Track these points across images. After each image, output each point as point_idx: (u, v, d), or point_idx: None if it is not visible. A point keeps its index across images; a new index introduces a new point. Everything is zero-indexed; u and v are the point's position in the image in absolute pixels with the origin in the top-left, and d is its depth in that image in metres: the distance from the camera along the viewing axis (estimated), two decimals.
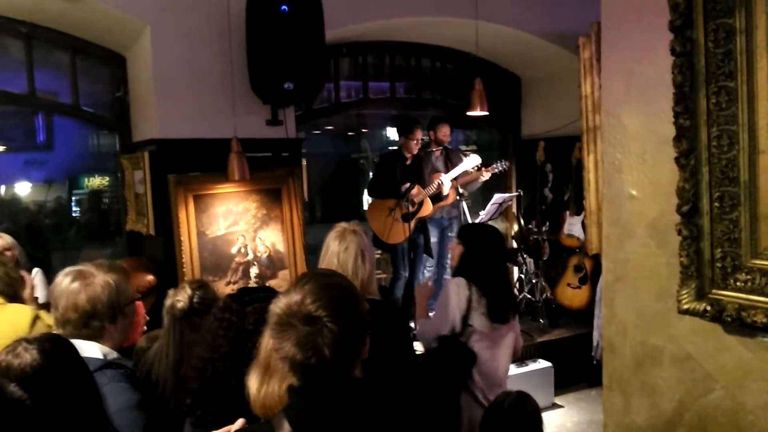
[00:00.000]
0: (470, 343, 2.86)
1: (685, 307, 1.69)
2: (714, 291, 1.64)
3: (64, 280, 1.89)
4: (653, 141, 1.82)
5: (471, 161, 5.36)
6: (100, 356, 1.82)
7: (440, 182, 5.27)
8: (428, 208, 5.30)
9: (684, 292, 1.69)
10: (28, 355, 1.49)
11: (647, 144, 1.84)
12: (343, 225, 2.49)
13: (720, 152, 1.58)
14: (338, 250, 2.38)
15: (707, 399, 1.76)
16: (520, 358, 5.02)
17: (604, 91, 1.98)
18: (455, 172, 5.33)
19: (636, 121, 1.87)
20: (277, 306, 1.28)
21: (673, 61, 1.63)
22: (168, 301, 2.19)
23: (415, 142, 5.26)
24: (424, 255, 5.47)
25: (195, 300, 2.14)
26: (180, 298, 2.16)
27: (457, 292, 2.87)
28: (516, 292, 5.87)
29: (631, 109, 1.89)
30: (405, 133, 5.29)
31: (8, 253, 3.04)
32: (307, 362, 1.23)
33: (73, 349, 1.61)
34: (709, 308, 1.64)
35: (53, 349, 1.53)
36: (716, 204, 1.61)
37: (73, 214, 6.44)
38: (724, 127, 1.57)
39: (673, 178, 1.71)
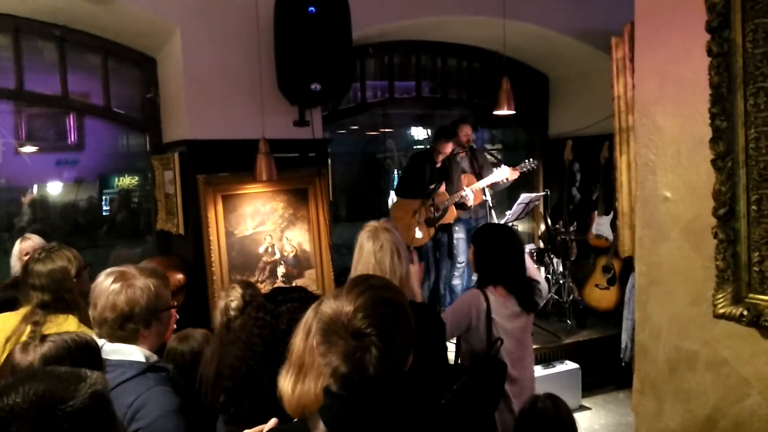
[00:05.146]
0: (500, 353, 2.80)
1: (721, 311, 1.67)
2: (751, 295, 1.62)
3: (105, 280, 1.90)
4: (688, 142, 1.80)
5: (500, 174, 5.27)
6: (143, 359, 1.84)
7: (464, 195, 5.23)
8: (452, 215, 5.30)
9: (720, 296, 1.67)
10: (31, 356, 1.52)
11: (682, 145, 1.82)
12: (373, 224, 2.44)
13: (758, 154, 1.56)
14: (373, 249, 2.34)
15: (743, 405, 1.73)
16: (547, 360, 4.99)
17: (638, 92, 1.96)
18: (482, 183, 5.29)
19: (670, 123, 1.85)
20: (328, 308, 1.29)
21: (710, 62, 1.61)
22: (221, 303, 2.20)
23: (441, 155, 5.24)
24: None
25: (247, 299, 2.16)
26: (233, 297, 2.18)
27: (470, 308, 2.82)
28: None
29: (665, 110, 1.86)
30: (434, 142, 5.29)
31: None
32: (350, 376, 1.25)
33: (90, 356, 1.61)
34: (745, 313, 1.62)
35: (57, 354, 1.54)
36: (754, 207, 1.59)
37: (104, 214, 6.54)
38: (762, 128, 1.55)
39: (708, 180, 1.69)
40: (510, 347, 2.84)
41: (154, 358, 1.91)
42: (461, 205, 5.31)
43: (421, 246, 5.31)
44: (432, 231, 5.22)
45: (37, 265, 2.48)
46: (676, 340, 1.88)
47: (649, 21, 1.91)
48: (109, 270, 1.94)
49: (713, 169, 1.64)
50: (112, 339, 1.86)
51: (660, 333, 1.93)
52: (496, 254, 2.91)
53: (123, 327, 1.86)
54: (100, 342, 1.84)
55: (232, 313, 2.16)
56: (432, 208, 5.19)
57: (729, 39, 1.57)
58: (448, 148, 5.23)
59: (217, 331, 2.18)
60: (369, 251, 2.35)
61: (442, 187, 5.30)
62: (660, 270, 1.91)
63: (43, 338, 1.59)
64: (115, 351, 1.83)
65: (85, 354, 1.59)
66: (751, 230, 1.60)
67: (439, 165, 5.31)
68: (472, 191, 5.24)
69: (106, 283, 1.88)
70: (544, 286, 3.12)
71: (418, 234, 5.17)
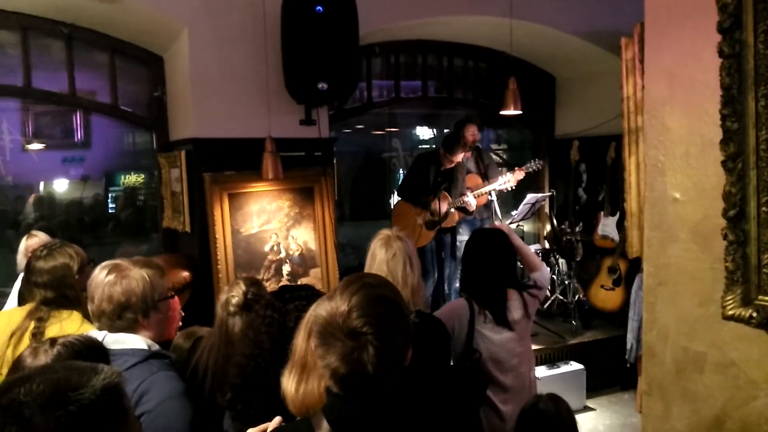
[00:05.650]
0: (480, 364, 2.75)
1: (730, 313, 1.67)
2: (760, 297, 1.61)
3: (100, 273, 1.93)
4: (697, 143, 1.79)
5: (504, 183, 5.23)
6: (145, 347, 1.86)
7: (466, 201, 5.21)
8: (454, 218, 5.29)
9: (729, 297, 1.67)
10: (43, 358, 1.53)
11: (691, 146, 1.82)
12: (386, 232, 2.45)
13: None
14: (386, 258, 2.35)
15: (750, 407, 1.73)
16: (552, 360, 4.99)
17: (647, 93, 1.96)
18: (484, 190, 5.26)
19: (679, 123, 1.85)
20: (323, 310, 1.28)
21: (721, 63, 1.60)
22: (222, 297, 2.22)
23: (449, 162, 5.20)
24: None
25: (249, 296, 2.17)
26: (234, 293, 2.19)
27: (453, 316, 2.76)
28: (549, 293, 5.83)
29: (674, 110, 1.86)
30: (445, 149, 5.21)
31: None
32: (349, 376, 1.25)
33: (99, 354, 1.63)
34: (755, 314, 1.62)
35: (70, 354, 1.55)
36: (764, 208, 1.58)
37: (110, 211, 6.56)
38: None
39: (718, 182, 1.68)
40: (499, 357, 2.80)
41: (156, 346, 1.92)
42: (463, 209, 5.31)
43: (424, 246, 5.30)
44: (434, 232, 5.21)
45: (38, 262, 2.49)
46: (684, 342, 1.87)
47: (658, 22, 1.90)
48: (103, 264, 1.96)
49: (723, 171, 1.64)
50: (112, 330, 1.89)
51: (667, 334, 1.92)
52: (475, 267, 2.87)
53: (121, 317, 1.88)
54: (102, 334, 1.87)
55: (231, 308, 2.17)
56: (436, 209, 5.18)
57: (741, 40, 1.56)
58: (459, 156, 5.19)
59: (216, 325, 2.20)
60: (381, 260, 2.36)
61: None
62: (668, 271, 1.90)
63: (53, 342, 1.60)
64: (116, 341, 1.85)
65: (97, 354, 1.60)
66: (761, 232, 1.59)
67: (443, 168, 5.29)
68: (475, 197, 5.23)
69: (101, 276, 1.90)
70: (543, 283, 3.01)
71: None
